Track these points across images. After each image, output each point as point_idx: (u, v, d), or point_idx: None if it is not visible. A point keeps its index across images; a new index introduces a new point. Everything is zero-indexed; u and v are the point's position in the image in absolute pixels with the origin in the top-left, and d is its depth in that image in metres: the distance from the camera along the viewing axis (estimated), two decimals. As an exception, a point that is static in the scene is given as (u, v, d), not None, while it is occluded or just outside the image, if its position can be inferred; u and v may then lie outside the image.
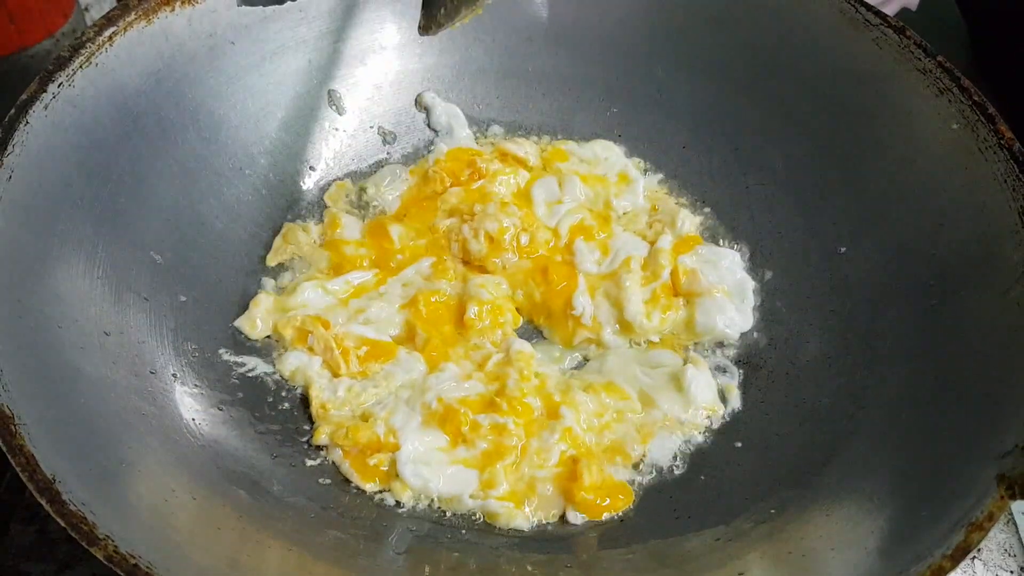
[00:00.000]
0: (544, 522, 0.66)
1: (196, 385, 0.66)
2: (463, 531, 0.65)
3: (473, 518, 0.66)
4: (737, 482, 0.67)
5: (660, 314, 0.75)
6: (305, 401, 0.70)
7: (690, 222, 0.80)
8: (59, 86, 0.63)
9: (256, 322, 0.72)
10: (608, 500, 0.66)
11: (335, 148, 0.82)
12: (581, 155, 0.85)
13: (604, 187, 0.83)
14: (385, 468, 0.66)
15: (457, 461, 0.67)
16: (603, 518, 0.66)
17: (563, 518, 0.66)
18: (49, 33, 0.85)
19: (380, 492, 0.66)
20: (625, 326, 0.75)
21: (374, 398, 0.69)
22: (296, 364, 0.71)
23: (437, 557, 0.62)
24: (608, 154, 0.85)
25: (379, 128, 0.84)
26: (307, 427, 0.69)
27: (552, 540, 0.65)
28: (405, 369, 0.71)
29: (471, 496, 0.66)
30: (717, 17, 0.80)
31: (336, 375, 0.70)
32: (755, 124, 0.81)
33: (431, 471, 0.66)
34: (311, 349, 0.71)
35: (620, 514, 0.66)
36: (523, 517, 0.66)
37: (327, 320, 0.72)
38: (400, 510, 0.66)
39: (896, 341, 0.68)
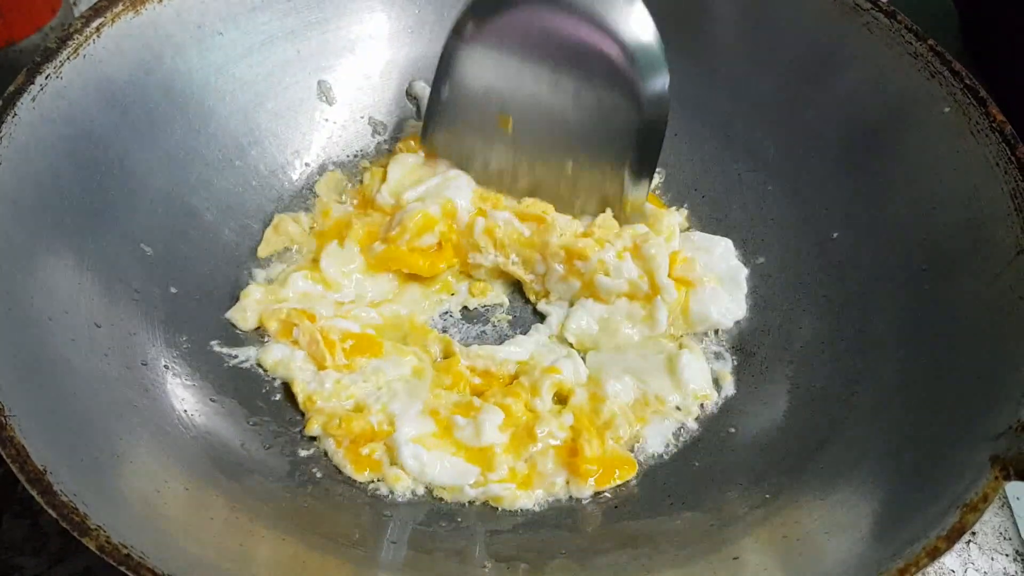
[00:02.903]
0: (548, 499, 0.66)
1: (188, 377, 0.66)
2: (459, 517, 0.65)
3: (471, 503, 0.66)
4: (731, 468, 0.67)
5: None
6: (297, 392, 0.70)
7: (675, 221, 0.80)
8: (47, 78, 0.62)
9: (247, 314, 0.72)
10: (616, 471, 0.67)
11: (325, 138, 0.82)
12: None
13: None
14: (378, 457, 0.66)
15: (457, 452, 0.67)
16: (607, 493, 0.67)
17: (569, 496, 0.66)
18: (37, 28, 0.85)
19: (373, 482, 0.66)
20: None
21: (364, 391, 0.69)
22: (279, 356, 0.71)
23: (433, 544, 0.62)
24: None
25: (369, 118, 0.84)
26: (299, 417, 0.69)
27: (548, 526, 0.65)
28: (394, 364, 0.71)
29: (472, 485, 0.66)
30: (706, 3, 0.79)
31: (321, 368, 0.70)
32: (746, 111, 0.81)
33: (430, 456, 0.66)
34: (295, 342, 0.71)
35: (616, 501, 0.66)
36: (527, 497, 0.66)
37: (312, 313, 0.71)
38: (395, 499, 0.65)
39: (889, 325, 0.68)
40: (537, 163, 0.78)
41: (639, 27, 0.70)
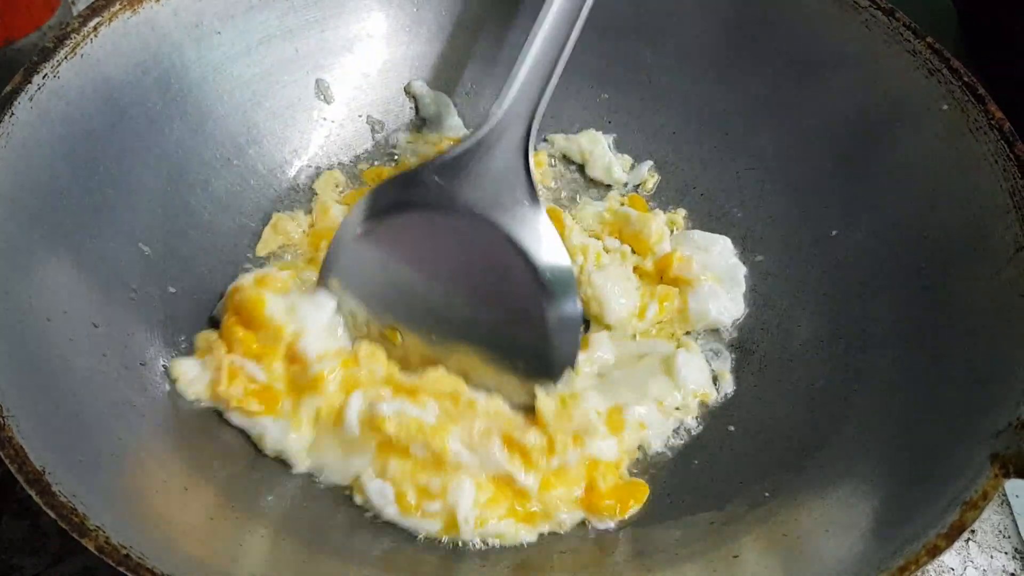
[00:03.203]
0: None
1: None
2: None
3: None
4: (730, 466, 0.67)
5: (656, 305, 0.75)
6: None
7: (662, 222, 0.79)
8: (44, 77, 0.62)
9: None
10: (631, 500, 0.65)
11: (324, 137, 0.81)
12: (566, 149, 0.84)
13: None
14: None
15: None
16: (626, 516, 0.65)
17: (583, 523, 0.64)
18: (35, 27, 0.85)
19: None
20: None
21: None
22: (192, 373, 0.65)
23: (431, 543, 0.62)
24: (594, 147, 0.84)
25: (368, 117, 0.84)
26: (298, 417, 0.68)
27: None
28: (275, 433, 0.64)
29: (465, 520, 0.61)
30: (704, 1, 0.79)
31: (212, 395, 0.65)
32: (745, 108, 0.80)
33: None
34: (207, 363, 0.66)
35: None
36: (529, 532, 0.63)
37: (241, 340, 0.66)
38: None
39: (888, 323, 0.68)
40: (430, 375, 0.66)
41: (546, 238, 0.63)
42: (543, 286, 0.63)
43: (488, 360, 0.65)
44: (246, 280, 0.69)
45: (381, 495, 0.62)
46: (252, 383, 0.65)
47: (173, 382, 0.65)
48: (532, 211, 0.64)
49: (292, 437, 0.64)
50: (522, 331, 0.64)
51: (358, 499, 0.63)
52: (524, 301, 0.64)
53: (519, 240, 0.63)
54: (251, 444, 0.65)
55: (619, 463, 0.66)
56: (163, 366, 0.65)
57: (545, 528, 0.63)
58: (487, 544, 0.62)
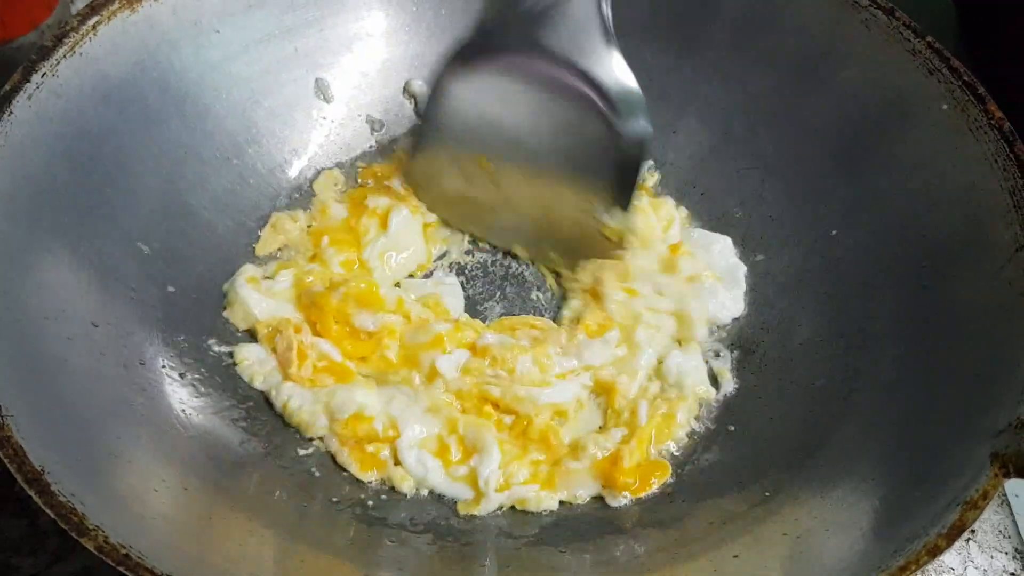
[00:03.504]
0: (573, 504, 0.66)
1: (186, 376, 0.66)
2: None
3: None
4: (731, 465, 0.67)
5: None
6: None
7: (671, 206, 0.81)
8: (43, 76, 0.62)
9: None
10: (652, 479, 0.67)
11: (323, 137, 0.81)
12: None
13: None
14: (384, 457, 0.66)
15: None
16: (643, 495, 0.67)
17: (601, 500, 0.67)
18: (34, 25, 0.84)
19: (374, 482, 0.66)
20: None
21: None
22: (253, 357, 0.70)
23: (434, 543, 0.62)
24: None
25: (367, 116, 0.83)
26: (298, 416, 0.68)
27: (549, 527, 0.65)
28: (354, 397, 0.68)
29: (497, 490, 0.65)
30: (704, 0, 0.79)
31: (285, 377, 0.69)
32: (744, 108, 0.80)
33: (434, 461, 0.66)
34: (275, 349, 0.70)
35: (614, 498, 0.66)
36: (550, 499, 0.66)
37: (300, 326, 0.70)
38: (397, 498, 0.65)
39: (888, 322, 0.68)
40: (517, 202, 0.78)
41: (618, 72, 0.71)
42: (613, 105, 0.71)
43: (561, 196, 0.76)
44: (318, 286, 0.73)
45: (420, 464, 0.66)
46: (322, 360, 0.69)
47: (235, 365, 0.69)
48: (607, 52, 0.71)
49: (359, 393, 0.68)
50: (596, 152, 0.73)
51: (406, 487, 0.66)
52: (598, 124, 0.72)
53: (595, 75, 0.71)
54: (251, 445, 0.65)
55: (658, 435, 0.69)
56: (162, 365, 0.65)
57: (564, 495, 0.66)
58: (504, 532, 0.63)
